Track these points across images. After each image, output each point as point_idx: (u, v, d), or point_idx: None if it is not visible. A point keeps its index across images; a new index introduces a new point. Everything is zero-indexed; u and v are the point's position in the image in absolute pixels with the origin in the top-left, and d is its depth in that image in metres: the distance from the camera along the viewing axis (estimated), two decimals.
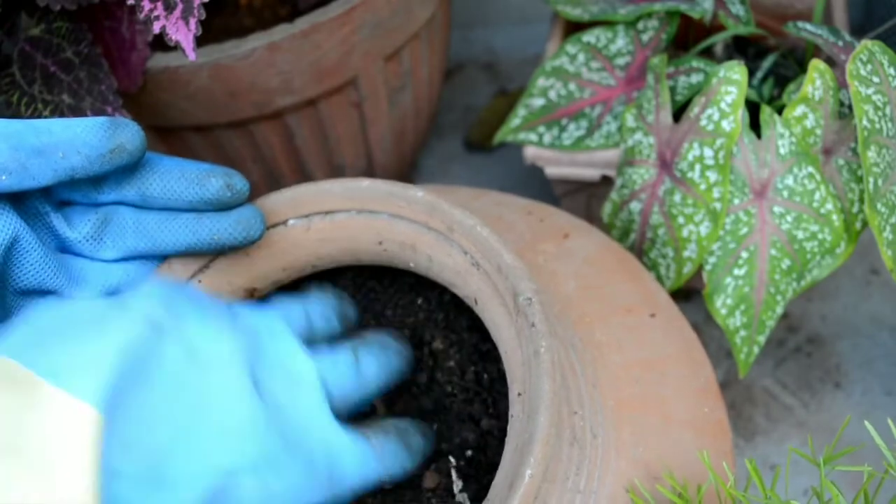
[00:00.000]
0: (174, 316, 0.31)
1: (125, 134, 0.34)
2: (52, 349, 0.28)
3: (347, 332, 0.41)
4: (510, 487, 0.30)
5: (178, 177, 0.36)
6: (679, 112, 0.51)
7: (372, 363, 0.37)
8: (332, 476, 0.33)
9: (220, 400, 0.30)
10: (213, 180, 0.36)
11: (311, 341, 0.37)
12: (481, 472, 0.39)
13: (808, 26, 0.51)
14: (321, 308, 0.39)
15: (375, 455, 0.35)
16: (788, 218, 0.48)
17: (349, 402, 0.36)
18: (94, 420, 0.26)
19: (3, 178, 0.32)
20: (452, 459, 0.39)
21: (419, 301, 0.44)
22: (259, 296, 0.42)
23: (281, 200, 0.40)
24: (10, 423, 0.26)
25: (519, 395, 0.33)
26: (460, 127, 0.81)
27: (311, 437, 0.33)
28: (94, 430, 0.26)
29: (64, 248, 0.37)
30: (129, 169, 0.36)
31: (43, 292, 0.37)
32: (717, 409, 0.39)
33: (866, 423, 0.33)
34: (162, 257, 0.39)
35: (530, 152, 0.56)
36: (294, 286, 0.45)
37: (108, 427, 0.27)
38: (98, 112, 0.46)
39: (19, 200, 0.36)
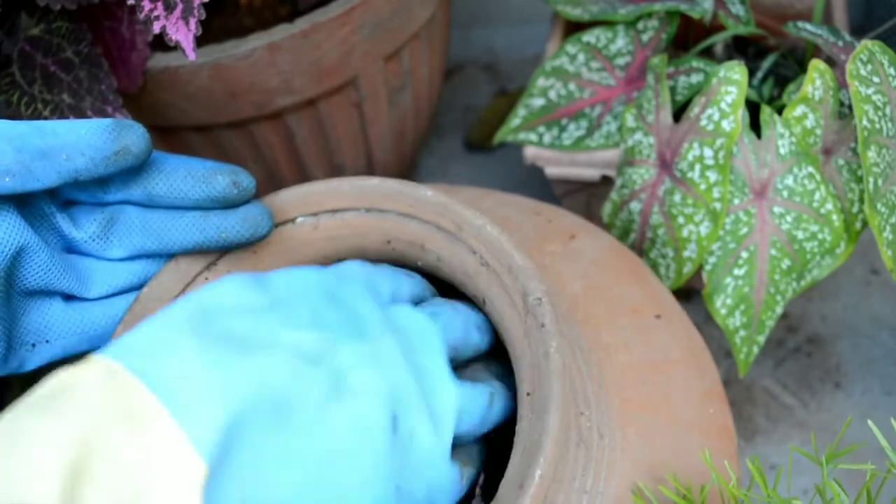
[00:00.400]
0: (324, 331, 0.29)
1: (130, 136, 0.34)
2: (183, 363, 0.25)
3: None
4: (520, 487, 0.30)
5: (184, 175, 0.36)
6: (679, 112, 0.51)
7: (499, 409, 0.35)
8: None
9: (352, 448, 0.27)
10: (219, 178, 0.36)
11: (457, 357, 0.35)
12: (489, 473, 0.39)
13: (808, 26, 0.51)
14: (478, 321, 0.37)
15: (460, 489, 0.33)
16: (788, 218, 0.48)
17: (463, 440, 0.34)
18: (202, 475, 0.24)
19: (7, 180, 0.32)
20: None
21: None
22: None
23: (289, 198, 0.40)
24: (123, 462, 0.23)
25: (528, 395, 0.32)
26: (460, 127, 0.81)
27: (426, 477, 0.30)
28: (200, 488, 0.24)
29: (71, 248, 0.37)
30: (134, 169, 0.36)
31: (51, 293, 0.37)
32: (723, 411, 0.39)
33: (869, 422, 0.33)
34: (169, 256, 0.39)
35: (530, 152, 0.56)
36: None
37: (222, 479, 0.24)
38: (98, 112, 0.46)
39: (24, 202, 0.36)
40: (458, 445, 0.34)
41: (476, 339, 0.36)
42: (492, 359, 0.39)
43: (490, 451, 0.39)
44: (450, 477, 0.32)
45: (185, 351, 0.26)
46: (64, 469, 0.22)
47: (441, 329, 0.33)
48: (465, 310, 0.36)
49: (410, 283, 0.37)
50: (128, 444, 0.23)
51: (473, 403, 0.33)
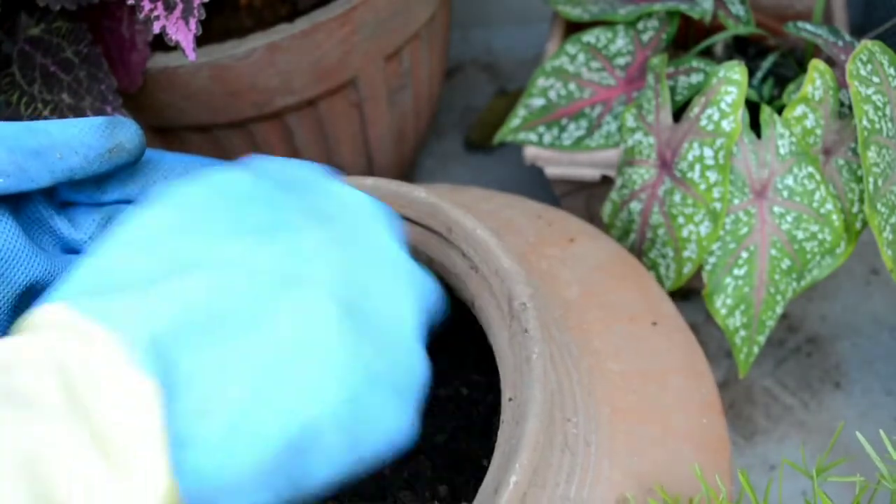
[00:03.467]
0: (253, 234, 0.28)
1: (124, 133, 0.34)
2: (121, 296, 0.26)
3: None
4: (495, 492, 0.30)
5: (181, 173, 0.36)
6: (679, 112, 0.51)
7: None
8: (415, 400, 0.30)
9: (306, 339, 0.27)
10: None
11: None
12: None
13: (808, 26, 0.51)
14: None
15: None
16: (788, 218, 0.48)
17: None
18: (154, 393, 0.24)
19: (1, 180, 0.32)
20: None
21: None
22: None
23: None
24: (80, 392, 0.24)
25: (510, 399, 0.32)
26: (460, 127, 0.81)
27: (398, 356, 0.29)
28: (157, 406, 0.24)
29: (70, 249, 0.37)
30: (131, 167, 0.36)
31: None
32: (717, 422, 0.39)
33: (858, 434, 0.33)
34: None
35: (530, 152, 0.56)
36: None
37: (177, 392, 0.25)
38: (98, 111, 0.46)
39: (21, 205, 0.35)
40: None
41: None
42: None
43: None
44: (422, 360, 0.30)
45: (127, 283, 0.27)
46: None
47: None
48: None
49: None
50: (82, 363, 0.24)
51: (428, 279, 0.32)
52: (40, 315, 0.26)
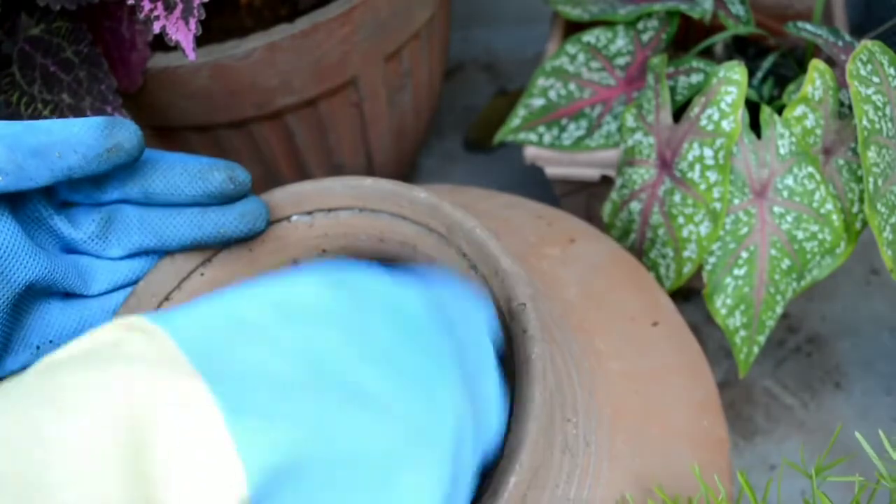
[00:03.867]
0: (392, 368, 0.25)
1: (122, 133, 0.34)
2: (248, 370, 0.23)
3: None
4: (495, 493, 0.30)
5: (180, 172, 0.37)
6: (679, 112, 0.51)
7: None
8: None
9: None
10: (215, 174, 0.36)
11: None
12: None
13: (808, 26, 0.51)
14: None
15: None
16: (788, 218, 0.48)
17: None
18: (241, 494, 0.22)
19: (1, 179, 0.32)
20: None
21: None
22: None
23: (284, 197, 0.40)
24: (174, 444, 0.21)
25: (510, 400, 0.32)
26: (460, 127, 0.81)
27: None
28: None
29: (70, 248, 0.38)
30: (130, 167, 0.36)
31: (50, 294, 0.37)
32: (717, 423, 0.39)
33: (857, 434, 0.33)
34: (168, 252, 0.39)
35: (530, 152, 0.56)
36: None
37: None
38: (98, 111, 0.46)
39: (20, 205, 0.36)
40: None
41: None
42: None
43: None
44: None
45: (253, 354, 0.23)
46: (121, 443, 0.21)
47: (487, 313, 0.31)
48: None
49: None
50: (176, 427, 0.21)
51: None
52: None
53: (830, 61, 0.51)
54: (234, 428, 0.21)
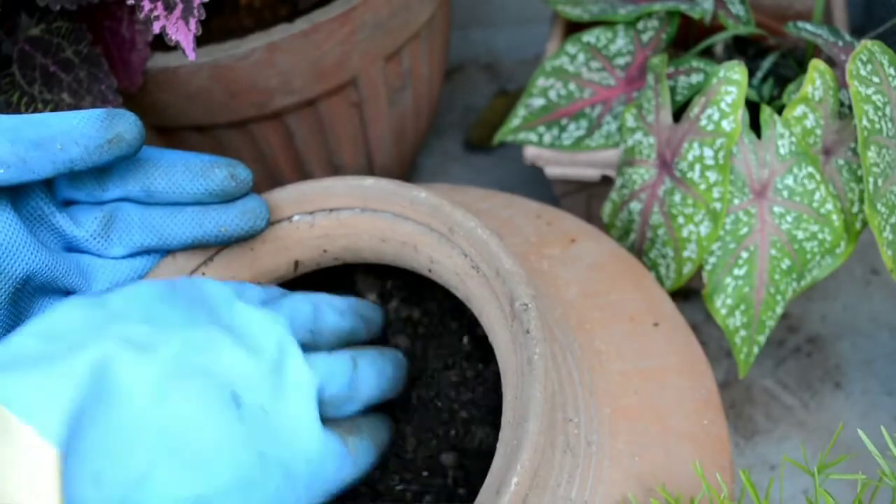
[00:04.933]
0: (156, 326, 0.31)
1: (122, 124, 0.34)
2: (21, 374, 0.28)
3: (370, 340, 0.40)
4: (497, 493, 0.30)
5: (182, 170, 0.37)
6: (679, 112, 0.51)
7: (370, 374, 0.36)
8: (311, 484, 0.33)
9: (195, 422, 0.30)
10: (216, 171, 0.36)
11: (317, 339, 0.36)
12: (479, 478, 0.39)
13: (808, 26, 0.51)
14: (334, 303, 0.38)
15: (351, 459, 0.34)
16: (788, 218, 0.48)
17: (341, 411, 0.35)
18: (55, 459, 0.27)
19: (2, 171, 0.32)
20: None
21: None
22: None
23: (286, 196, 0.40)
24: None
25: (512, 400, 0.32)
26: (460, 127, 0.81)
27: (295, 447, 0.32)
28: (56, 470, 0.26)
29: (72, 246, 0.37)
30: (131, 163, 0.36)
31: (51, 292, 0.37)
32: (718, 423, 0.39)
33: (860, 431, 0.33)
34: (171, 251, 0.39)
35: (530, 152, 0.56)
36: (297, 283, 0.45)
37: (75, 459, 0.27)
38: None
39: (21, 201, 0.36)
40: (346, 418, 0.36)
41: (332, 320, 0.37)
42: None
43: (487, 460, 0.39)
44: (329, 447, 0.33)
45: (27, 363, 0.28)
46: None
47: (284, 316, 0.35)
48: (319, 297, 0.38)
49: (257, 290, 0.38)
50: None
51: (333, 369, 0.34)
52: None
53: (830, 61, 0.51)
54: (23, 416, 0.27)
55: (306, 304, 0.37)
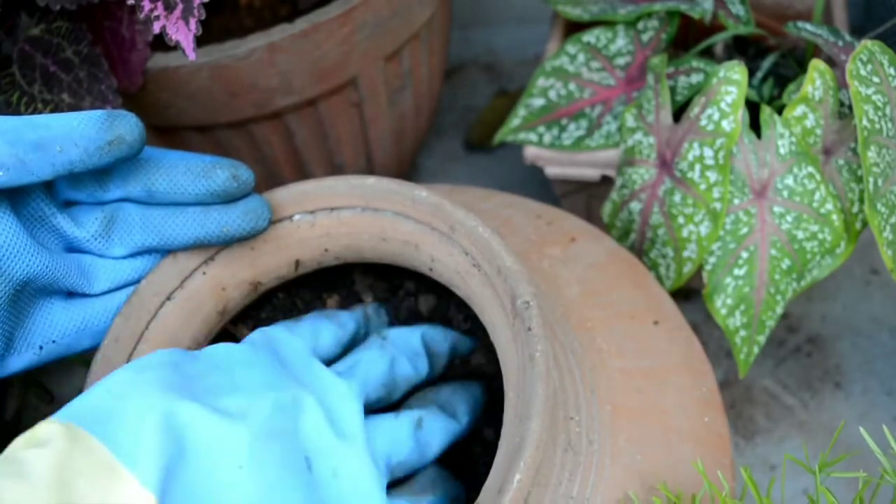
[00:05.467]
0: (243, 392, 0.31)
1: (123, 125, 0.34)
2: (121, 423, 0.28)
3: (450, 367, 0.41)
4: (499, 492, 0.30)
5: (183, 170, 0.36)
6: (679, 112, 0.51)
7: (436, 432, 0.36)
8: None
9: (276, 487, 0.30)
10: (218, 172, 0.36)
11: (391, 393, 0.37)
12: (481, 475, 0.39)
13: (808, 26, 0.51)
14: (410, 346, 0.38)
15: None
16: (788, 218, 0.48)
17: (406, 469, 0.36)
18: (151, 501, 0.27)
19: (2, 173, 0.32)
20: None
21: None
22: (263, 290, 0.42)
23: (287, 196, 0.40)
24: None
25: (513, 398, 0.32)
26: (460, 127, 0.81)
27: None
28: None
29: (73, 247, 0.37)
30: (132, 164, 0.36)
31: (52, 293, 0.37)
32: (718, 420, 0.39)
33: (861, 429, 0.33)
34: (172, 251, 0.39)
35: (530, 152, 0.56)
36: (297, 283, 0.45)
37: (170, 500, 0.28)
38: None
39: (21, 203, 0.35)
40: (411, 476, 0.36)
41: (407, 371, 0.38)
42: (473, 378, 0.41)
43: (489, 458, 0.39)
44: None
45: (130, 407, 0.29)
46: None
47: (358, 382, 0.35)
48: (396, 348, 0.38)
49: (331, 332, 0.38)
50: (90, 494, 0.27)
51: (397, 434, 0.35)
52: (46, 430, 0.28)
53: (830, 61, 0.51)
54: (126, 464, 0.27)
55: (383, 361, 0.37)
